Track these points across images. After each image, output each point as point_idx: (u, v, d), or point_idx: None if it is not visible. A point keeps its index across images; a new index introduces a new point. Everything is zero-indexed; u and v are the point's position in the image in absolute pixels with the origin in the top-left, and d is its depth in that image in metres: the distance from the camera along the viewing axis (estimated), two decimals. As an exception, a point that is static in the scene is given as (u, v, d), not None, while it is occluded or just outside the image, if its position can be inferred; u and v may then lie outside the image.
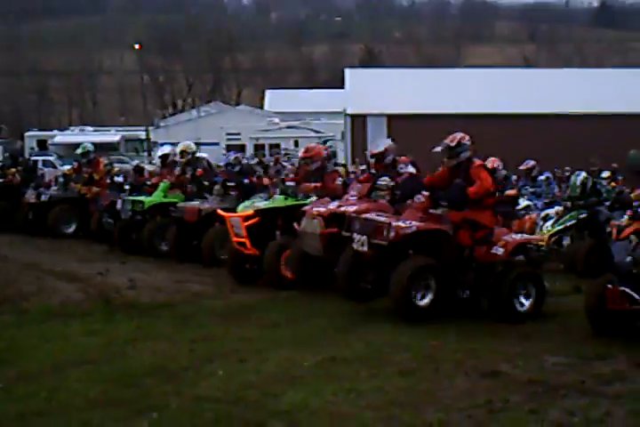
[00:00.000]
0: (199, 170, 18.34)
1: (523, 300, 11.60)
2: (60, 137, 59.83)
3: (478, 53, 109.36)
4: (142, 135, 59.61)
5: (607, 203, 16.47)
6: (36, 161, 36.19)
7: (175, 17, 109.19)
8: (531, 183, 18.66)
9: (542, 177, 18.77)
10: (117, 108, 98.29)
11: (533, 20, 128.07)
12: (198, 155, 19.14)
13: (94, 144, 24.05)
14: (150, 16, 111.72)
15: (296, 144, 50.22)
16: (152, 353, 10.03)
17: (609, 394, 8.34)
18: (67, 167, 28.94)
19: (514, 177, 18.95)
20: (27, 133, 65.62)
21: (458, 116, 40.60)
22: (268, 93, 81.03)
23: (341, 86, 52.15)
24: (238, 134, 59.74)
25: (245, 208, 14.73)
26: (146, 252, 18.09)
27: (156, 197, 18.59)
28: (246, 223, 14.40)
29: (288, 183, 15.28)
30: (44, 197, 21.80)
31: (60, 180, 21.89)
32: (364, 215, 11.52)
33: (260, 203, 14.77)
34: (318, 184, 14.33)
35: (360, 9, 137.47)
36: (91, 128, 65.29)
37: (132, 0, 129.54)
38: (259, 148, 52.14)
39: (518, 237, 12.04)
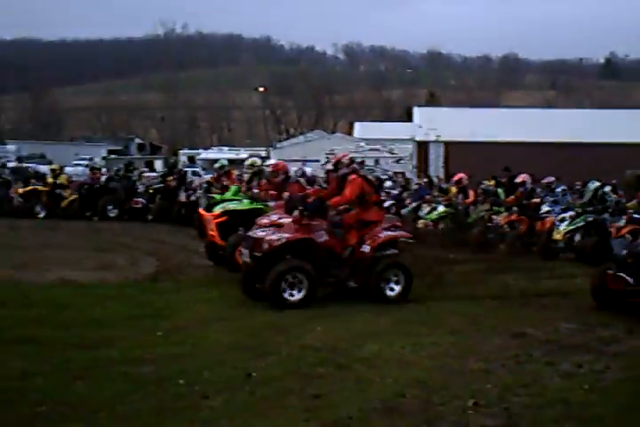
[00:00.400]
0: (263, 181, 18.19)
1: (393, 286, 10.94)
2: (205, 154, 60.62)
3: (512, 97, 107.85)
4: (263, 154, 59.91)
5: (610, 210, 16.22)
6: (186, 171, 36.59)
7: (289, 67, 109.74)
8: (550, 194, 18.37)
9: (559, 189, 18.47)
10: (245, 134, 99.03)
11: (554, 72, 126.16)
12: (263, 167, 18.92)
13: (229, 160, 24.27)
14: (271, 66, 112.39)
15: (376, 162, 50.00)
16: (269, 313, 10.13)
17: (609, 352, 8.25)
18: (209, 176, 29.23)
19: (538, 189, 18.64)
20: (180, 151, 66.60)
21: (497, 143, 40.25)
22: (357, 125, 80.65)
23: (410, 120, 51.84)
24: (334, 154, 59.73)
25: (219, 209, 14.57)
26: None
27: (225, 196, 18.50)
28: (216, 221, 14.23)
29: (254, 191, 15.11)
30: (192, 198, 22.11)
31: (204, 185, 22.08)
32: (249, 233, 10.99)
33: (231, 205, 14.58)
34: (274, 193, 13.86)
35: (426, 63, 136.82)
36: (226, 148, 65.93)
37: (257, 55, 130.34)
38: (349, 164, 51.87)
39: (383, 234, 11.08)
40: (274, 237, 10.47)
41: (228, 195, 18.26)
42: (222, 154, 53.11)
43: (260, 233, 10.69)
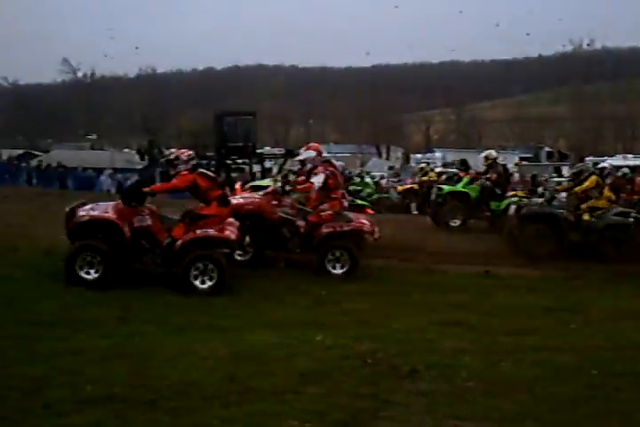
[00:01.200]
0: (494, 175, 16.94)
1: (210, 276, 9.72)
2: (609, 161, 58.22)
3: None
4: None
5: None
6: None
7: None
8: None
9: None
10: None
11: None
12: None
13: (629, 167, 22.49)
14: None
15: None
16: None
17: None
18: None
19: None
20: (586, 159, 64.43)
21: None
22: None
23: None
24: None
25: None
26: (438, 224, 17.02)
27: (454, 187, 17.27)
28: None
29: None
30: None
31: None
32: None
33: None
34: (301, 180, 12.59)
35: None
36: (630, 155, 62.71)
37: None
38: None
39: (200, 232, 9.94)
40: (82, 213, 9.89)
41: (458, 185, 17.54)
42: (626, 161, 50.59)
43: (85, 208, 10.09)
